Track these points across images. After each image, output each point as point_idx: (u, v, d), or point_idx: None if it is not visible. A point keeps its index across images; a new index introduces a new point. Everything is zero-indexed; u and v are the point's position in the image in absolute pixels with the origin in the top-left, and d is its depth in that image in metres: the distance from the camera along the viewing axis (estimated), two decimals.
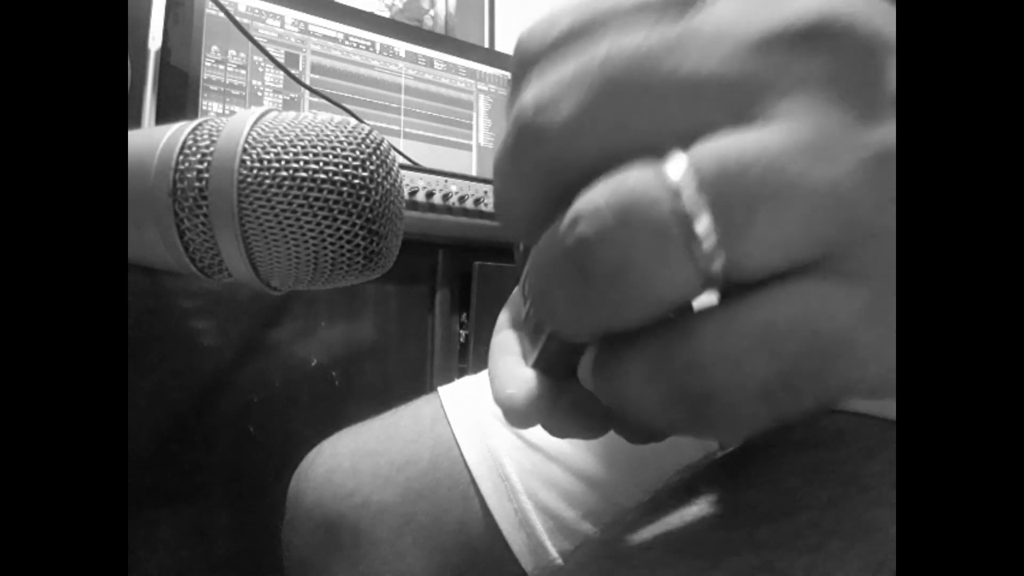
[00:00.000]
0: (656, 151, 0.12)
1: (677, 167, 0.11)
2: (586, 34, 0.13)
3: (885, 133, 0.11)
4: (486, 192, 0.70)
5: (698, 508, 0.21)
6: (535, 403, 0.18)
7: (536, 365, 0.19)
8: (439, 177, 0.68)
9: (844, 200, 0.11)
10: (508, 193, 0.14)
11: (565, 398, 0.19)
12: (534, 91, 0.13)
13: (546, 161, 0.13)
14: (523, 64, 0.14)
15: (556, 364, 0.19)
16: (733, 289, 0.12)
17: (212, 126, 0.27)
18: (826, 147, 0.11)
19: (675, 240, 0.11)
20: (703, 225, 0.11)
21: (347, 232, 0.26)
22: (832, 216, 0.11)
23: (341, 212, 0.26)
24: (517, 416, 0.18)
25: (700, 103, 0.12)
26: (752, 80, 0.11)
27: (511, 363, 0.19)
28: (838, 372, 0.11)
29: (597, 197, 0.12)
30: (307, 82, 0.69)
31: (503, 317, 0.22)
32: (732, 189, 0.11)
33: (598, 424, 0.19)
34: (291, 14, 0.70)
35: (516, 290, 0.23)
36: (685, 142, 0.12)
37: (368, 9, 0.82)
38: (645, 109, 0.12)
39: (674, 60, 0.12)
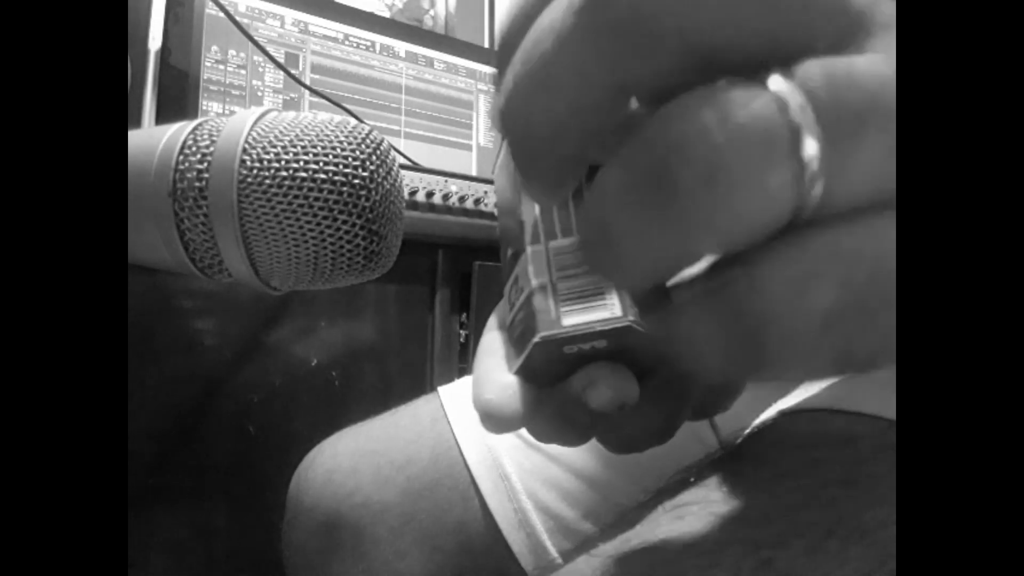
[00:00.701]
0: (767, 57, 0.10)
1: (782, 80, 0.10)
2: None
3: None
4: (486, 192, 0.70)
5: (698, 508, 0.21)
6: (513, 411, 0.18)
7: (519, 372, 0.18)
8: (439, 177, 0.68)
9: None
10: (559, 66, 0.11)
11: (547, 406, 0.19)
12: None
13: (640, 19, 0.10)
14: None
15: (540, 373, 0.18)
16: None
17: (212, 126, 0.27)
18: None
19: (781, 150, 0.10)
20: (810, 140, 0.10)
21: (347, 232, 0.26)
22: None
23: (341, 212, 0.26)
24: (493, 422, 0.18)
25: (820, 9, 0.11)
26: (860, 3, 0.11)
27: (493, 367, 0.19)
28: (889, 314, 0.11)
29: (693, 99, 0.10)
30: (307, 82, 0.69)
31: (493, 318, 0.22)
32: (841, 106, 0.10)
33: (579, 433, 0.19)
34: (291, 14, 0.70)
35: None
36: (792, 58, 0.10)
37: (368, 9, 0.82)
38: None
39: None
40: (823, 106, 0.10)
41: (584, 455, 0.37)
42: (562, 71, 0.11)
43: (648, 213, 0.10)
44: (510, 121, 0.12)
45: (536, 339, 0.17)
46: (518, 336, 0.19)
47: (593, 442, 0.37)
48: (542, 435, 0.19)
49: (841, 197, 0.10)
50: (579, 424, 0.19)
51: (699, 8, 0.10)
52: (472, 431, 0.38)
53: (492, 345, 0.20)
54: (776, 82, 0.10)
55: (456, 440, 0.38)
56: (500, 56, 0.14)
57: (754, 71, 0.10)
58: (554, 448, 0.37)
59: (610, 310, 0.17)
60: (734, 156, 0.10)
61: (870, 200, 0.11)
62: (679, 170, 0.10)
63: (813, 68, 0.10)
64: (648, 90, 0.12)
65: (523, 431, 0.38)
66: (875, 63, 0.10)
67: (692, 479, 0.23)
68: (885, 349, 0.11)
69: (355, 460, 0.41)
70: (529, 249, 0.19)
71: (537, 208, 0.19)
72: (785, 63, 0.10)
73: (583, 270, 0.18)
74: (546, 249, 0.18)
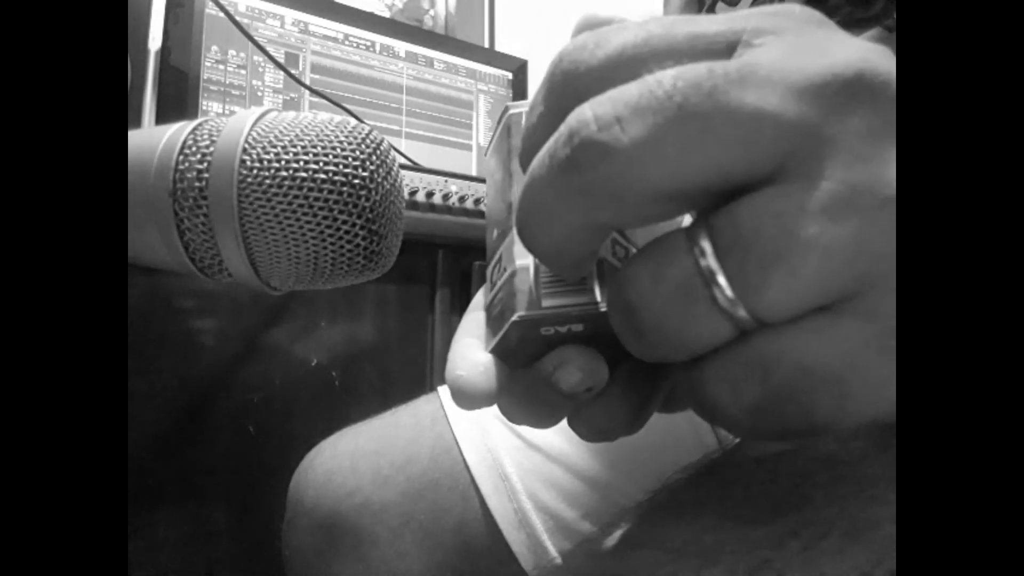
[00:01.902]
0: (712, 181, 0.13)
1: (700, 231, 0.13)
2: (641, 58, 0.14)
3: (890, 181, 0.12)
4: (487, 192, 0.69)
5: (696, 508, 0.21)
6: (483, 388, 0.19)
7: (495, 351, 0.19)
8: (439, 177, 0.68)
9: (859, 252, 0.12)
10: (550, 208, 0.14)
11: (518, 386, 0.19)
12: (595, 108, 0.13)
13: (606, 180, 0.13)
14: (570, 78, 0.14)
15: (515, 353, 0.19)
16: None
17: (212, 126, 0.27)
18: (845, 202, 0.12)
19: (699, 297, 0.13)
20: (722, 282, 0.13)
21: (347, 232, 0.26)
22: (846, 267, 0.12)
23: (341, 212, 0.26)
24: (463, 398, 0.19)
25: (759, 138, 0.12)
26: (804, 122, 0.12)
27: (468, 345, 0.20)
28: (826, 403, 0.13)
29: (636, 262, 0.14)
30: (307, 82, 0.69)
31: (476, 299, 0.23)
32: (744, 252, 0.12)
33: (548, 413, 0.20)
34: (291, 14, 0.70)
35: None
36: (733, 179, 0.13)
37: (368, 9, 0.82)
38: (711, 139, 0.12)
39: (736, 97, 0.12)
40: (730, 253, 0.13)
41: (584, 455, 0.37)
42: (549, 211, 0.14)
43: (633, 341, 0.15)
44: (521, 234, 0.15)
45: (515, 317, 0.18)
46: (496, 315, 0.19)
47: (594, 443, 0.37)
48: (513, 415, 0.20)
49: (772, 313, 0.13)
50: (549, 405, 0.19)
51: (655, 164, 0.13)
52: (472, 431, 0.38)
53: (470, 326, 0.21)
54: (696, 235, 0.13)
55: (456, 440, 0.38)
56: (523, 167, 0.17)
57: (715, 181, 0.13)
58: (554, 448, 0.37)
59: (590, 295, 0.17)
60: (666, 310, 0.13)
61: (801, 308, 0.13)
62: (636, 320, 0.14)
63: (723, 219, 0.13)
64: (622, 225, 0.15)
65: (523, 431, 0.38)
66: (789, 200, 0.12)
67: (691, 479, 0.23)
68: (813, 428, 0.13)
69: (355, 460, 0.41)
70: (516, 230, 0.19)
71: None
72: (735, 179, 0.13)
73: None
74: None
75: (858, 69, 0.12)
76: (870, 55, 0.13)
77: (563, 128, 0.14)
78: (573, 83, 0.14)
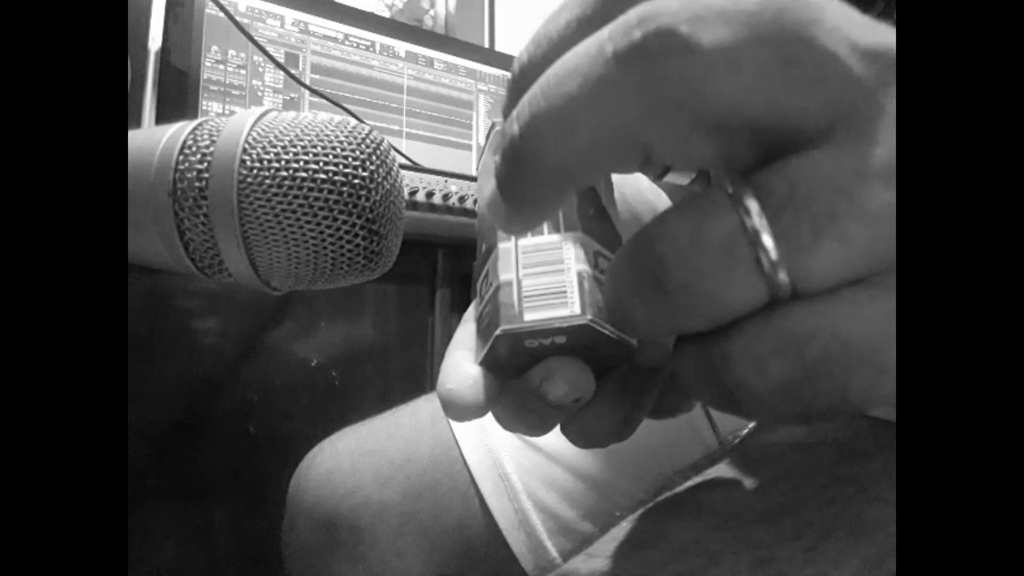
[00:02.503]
0: (771, 119, 0.12)
1: (745, 190, 0.12)
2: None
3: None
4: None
5: (697, 508, 0.21)
6: (473, 400, 0.19)
7: (484, 363, 0.19)
8: (439, 177, 0.68)
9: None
10: (586, 103, 0.12)
11: (508, 397, 0.19)
12: (676, 4, 0.12)
13: (675, 79, 0.12)
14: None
15: (504, 364, 0.19)
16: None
17: (212, 126, 0.27)
18: (895, 169, 0.12)
19: (741, 257, 0.12)
20: (767, 239, 0.12)
21: (347, 232, 0.26)
22: (893, 236, 0.12)
23: (341, 212, 0.26)
24: (453, 410, 0.19)
25: (827, 84, 0.12)
26: (867, 80, 0.12)
27: (459, 358, 0.20)
28: (862, 380, 0.12)
29: (672, 217, 0.13)
30: (307, 82, 0.69)
31: (470, 311, 0.23)
32: (797, 212, 0.12)
33: (539, 422, 0.20)
34: (291, 14, 0.70)
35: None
36: (790, 123, 0.12)
37: (368, 9, 0.82)
38: (787, 68, 0.12)
39: (820, 31, 0.12)
40: (782, 213, 0.12)
41: (584, 455, 0.37)
42: (584, 114, 0.12)
43: (646, 303, 0.13)
44: (520, 150, 0.13)
45: (498, 332, 0.18)
46: (484, 328, 0.19)
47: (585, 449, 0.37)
48: (506, 424, 0.20)
49: (812, 280, 0.12)
50: (539, 415, 0.19)
51: (728, 83, 0.12)
52: (472, 431, 0.38)
53: (463, 338, 0.21)
54: (741, 193, 0.12)
55: (456, 440, 0.38)
56: (519, 79, 0.15)
57: (751, 156, 0.13)
58: (554, 448, 0.37)
59: (570, 308, 0.18)
60: (704, 268, 0.12)
61: (842, 278, 0.12)
62: (663, 277, 0.12)
63: (773, 178, 0.12)
64: (658, 154, 0.13)
65: None
66: (840, 162, 0.12)
67: (691, 479, 0.23)
68: (844, 407, 0.12)
69: (355, 460, 0.41)
70: (500, 246, 0.20)
71: None
72: (775, 151, 0.12)
73: (549, 269, 0.19)
74: (515, 247, 0.20)
75: (897, 53, 0.12)
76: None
77: (627, 15, 0.12)
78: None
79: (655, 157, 0.13)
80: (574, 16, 0.14)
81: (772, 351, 0.12)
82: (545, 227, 0.20)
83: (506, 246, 0.20)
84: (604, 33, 0.12)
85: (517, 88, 0.15)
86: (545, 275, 0.18)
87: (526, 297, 0.18)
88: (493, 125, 0.21)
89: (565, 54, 0.13)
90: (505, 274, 0.19)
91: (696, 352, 0.13)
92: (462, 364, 0.20)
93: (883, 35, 0.12)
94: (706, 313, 0.12)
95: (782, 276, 0.12)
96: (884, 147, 0.12)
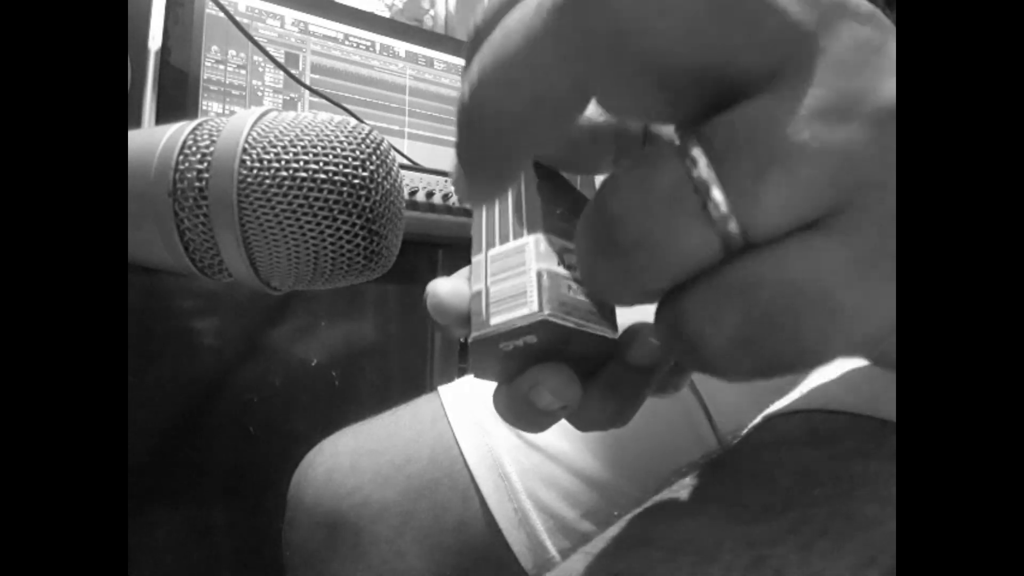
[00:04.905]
0: (710, 66, 0.12)
1: (692, 141, 0.12)
2: None
3: (888, 94, 0.12)
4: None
5: (695, 507, 0.21)
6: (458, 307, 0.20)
7: (476, 375, 0.20)
8: (439, 177, 0.68)
9: (852, 159, 0.12)
10: (525, 60, 0.13)
11: (502, 400, 0.20)
12: None
13: (603, 29, 0.12)
14: None
15: (493, 371, 0.20)
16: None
17: (212, 126, 0.27)
18: (838, 108, 0.12)
19: (690, 208, 0.12)
20: (716, 191, 0.12)
21: (347, 232, 0.26)
22: (839, 175, 0.12)
23: (341, 212, 0.26)
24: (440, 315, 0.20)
25: (764, 28, 0.12)
26: (805, 24, 0.12)
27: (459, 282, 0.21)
28: (814, 326, 0.12)
29: (622, 177, 0.13)
30: (307, 82, 0.69)
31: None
32: (740, 158, 0.12)
33: (535, 423, 0.20)
34: (291, 14, 0.70)
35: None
36: (730, 71, 0.12)
37: (368, 9, 0.83)
38: (720, 14, 0.12)
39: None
40: (724, 160, 0.12)
41: (584, 455, 0.37)
42: (527, 67, 0.13)
43: (607, 266, 0.13)
44: (470, 110, 0.13)
45: (470, 340, 0.19)
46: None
47: (594, 442, 0.37)
48: (507, 421, 0.21)
49: (763, 229, 0.12)
50: (532, 418, 0.20)
51: (661, 27, 0.12)
52: (472, 431, 0.39)
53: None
54: (687, 144, 0.12)
55: (456, 440, 0.38)
56: (470, 47, 0.15)
57: (690, 108, 0.13)
58: (554, 448, 0.37)
59: (529, 307, 0.18)
60: (654, 221, 0.12)
61: (799, 223, 0.12)
62: (617, 236, 0.13)
63: (717, 127, 0.12)
64: (605, 98, 0.13)
65: (523, 431, 0.38)
66: (779, 105, 0.12)
67: (689, 478, 0.23)
68: (801, 357, 0.12)
69: (355, 459, 0.41)
70: (473, 259, 0.21)
71: (483, 217, 0.22)
72: (722, 100, 0.12)
73: (512, 273, 0.19)
74: (485, 258, 0.20)
75: None
76: None
77: None
78: None
79: (603, 107, 0.13)
80: None
81: (723, 302, 0.12)
82: (511, 234, 0.20)
83: (478, 259, 0.21)
84: None
85: (471, 53, 0.15)
86: (508, 279, 0.19)
87: (492, 303, 0.19)
88: None
89: (511, 12, 0.13)
90: (476, 285, 0.20)
91: (661, 311, 0.14)
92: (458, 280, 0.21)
93: None
94: (662, 268, 0.13)
95: (732, 225, 0.12)
96: (825, 87, 0.12)
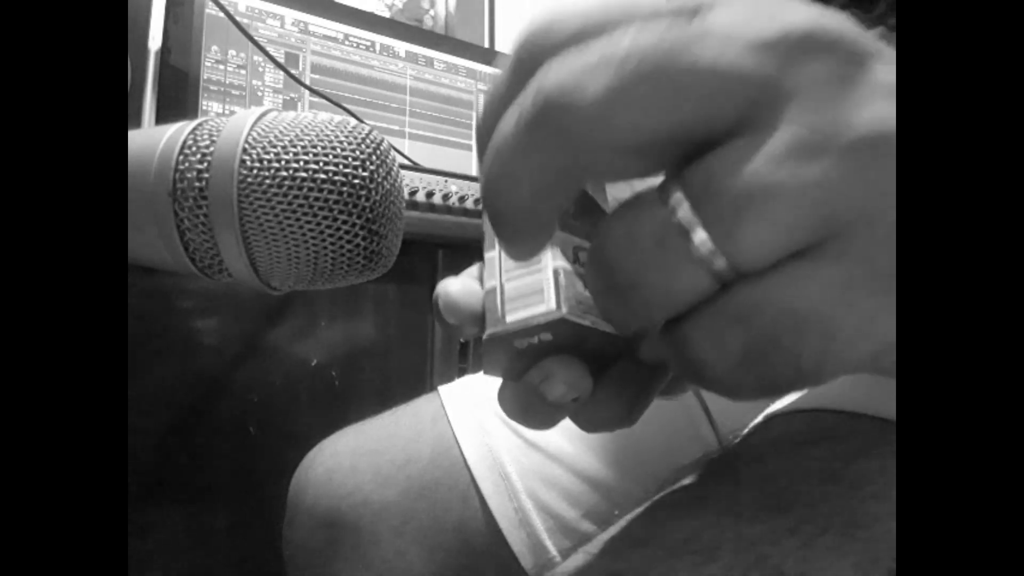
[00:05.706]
0: (676, 135, 0.13)
1: (674, 188, 0.13)
2: (602, 31, 0.14)
3: (872, 123, 0.12)
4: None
5: (695, 506, 0.21)
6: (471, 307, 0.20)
7: (487, 371, 0.20)
8: (439, 177, 0.68)
9: (829, 192, 0.12)
10: (517, 167, 0.14)
11: (511, 395, 0.20)
12: (557, 74, 0.13)
13: (571, 136, 0.13)
14: (535, 52, 0.14)
15: (505, 367, 0.20)
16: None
17: (212, 126, 0.27)
18: (810, 145, 0.12)
19: (677, 249, 0.13)
20: (698, 234, 0.13)
21: (347, 232, 0.26)
22: (818, 209, 0.12)
23: (341, 212, 0.26)
24: (449, 311, 0.21)
25: (717, 94, 0.13)
26: (761, 74, 0.12)
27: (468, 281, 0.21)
28: (813, 347, 0.13)
29: (612, 224, 0.14)
30: (307, 82, 0.69)
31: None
32: (719, 200, 0.12)
33: (545, 418, 0.20)
34: (291, 14, 0.70)
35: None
36: (697, 133, 0.13)
37: (368, 9, 0.83)
38: (670, 93, 0.13)
39: (694, 53, 0.13)
40: (704, 202, 0.13)
41: (585, 455, 0.37)
42: (520, 169, 0.14)
43: (612, 304, 0.14)
44: (487, 201, 0.15)
45: (485, 336, 0.19)
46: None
47: (594, 442, 0.37)
48: (514, 418, 0.21)
49: (751, 262, 0.13)
50: (542, 412, 0.20)
51: (622, 120, 0.13)
52: (472, 430, 0.39)
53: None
54: (669, 189, 0.13)
55: (456, 440, 0.38)
56: (478, 141, 0.17)
57: (667, 160, 0.14)
58: (555, 448, 0.37)
59: (547, 304, 0.18)
60: (645, 264, 0.13)
61: (781, 255, 0.13)
62: (613, 280, 0.14)
63: (696, 172, 0.13)
64: (595, 176, 0.15)
65: (523, 430, 0.38)
66: (754, 148, 0.12)
67: (689, 478, 0.23)
68: (803, 377, 0.13)
69: (355, 459, 0.41)
70: (486, 256, 0.21)
71: None
72: (700, 150, 0.13)
73: (528, 271, 0.19)
74: (499, 254, 0.20)
75: (808, 28, 0.13)
76: (820, 17, 0.13)
77: (528, 88, 0.14)
78: (538, 54, 0.14)
79: (594, 178, 0.15)
80: (499, 88, 0.16)
81: (723, 328, 0.13)
82: None
83: (491, 255, 0.21)
84: (516, 104, 0.14)
85: (479, 147, 0.17)
86: (524, 277, 0.19)
87: (507, 300, 0.19)
88: None
89: (499, 123, 0.15)
90: (490, 281, 0.20)
91: (666, 336, 0.14)
92: (469, 282, 0.21)
93: (786, 15, 0.13)
94: (661, 304, 0.14)
95: (719, 262, 0.13)
96: (795, 125, 0.12)
